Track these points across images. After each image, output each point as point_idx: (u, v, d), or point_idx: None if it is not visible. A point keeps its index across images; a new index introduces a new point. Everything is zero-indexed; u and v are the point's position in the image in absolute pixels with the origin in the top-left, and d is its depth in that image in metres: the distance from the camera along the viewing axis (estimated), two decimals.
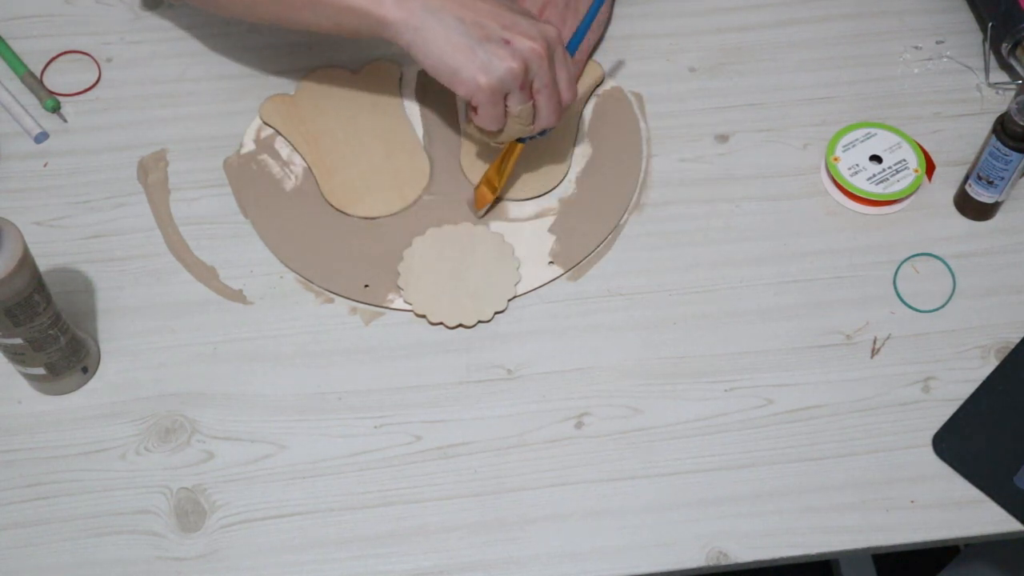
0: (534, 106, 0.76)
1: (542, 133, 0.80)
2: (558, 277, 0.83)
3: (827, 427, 0.76)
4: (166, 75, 0.92)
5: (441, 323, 0.80)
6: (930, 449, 0.76)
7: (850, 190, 0.85)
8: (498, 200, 0.85)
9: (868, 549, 0.73)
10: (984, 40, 0.94)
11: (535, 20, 0.75)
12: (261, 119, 0.90)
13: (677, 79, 0.93)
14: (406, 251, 0.83)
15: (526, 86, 0.75)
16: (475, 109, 0.76)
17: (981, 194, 0.83)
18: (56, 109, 0.90)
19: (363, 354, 0.79)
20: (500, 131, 0.78)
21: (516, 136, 0.79)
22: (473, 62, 0.72)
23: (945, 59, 0.94)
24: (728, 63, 0.94)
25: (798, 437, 0.76)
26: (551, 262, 0.83)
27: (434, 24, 0.73)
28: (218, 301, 0.82)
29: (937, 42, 0.95)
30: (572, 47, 0.81)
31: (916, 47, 0.95)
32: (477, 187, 0.84)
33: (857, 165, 0.86)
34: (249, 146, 0.89)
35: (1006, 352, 0.79)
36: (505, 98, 0.75)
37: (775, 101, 0.92)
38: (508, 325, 0.81)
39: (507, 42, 0.73)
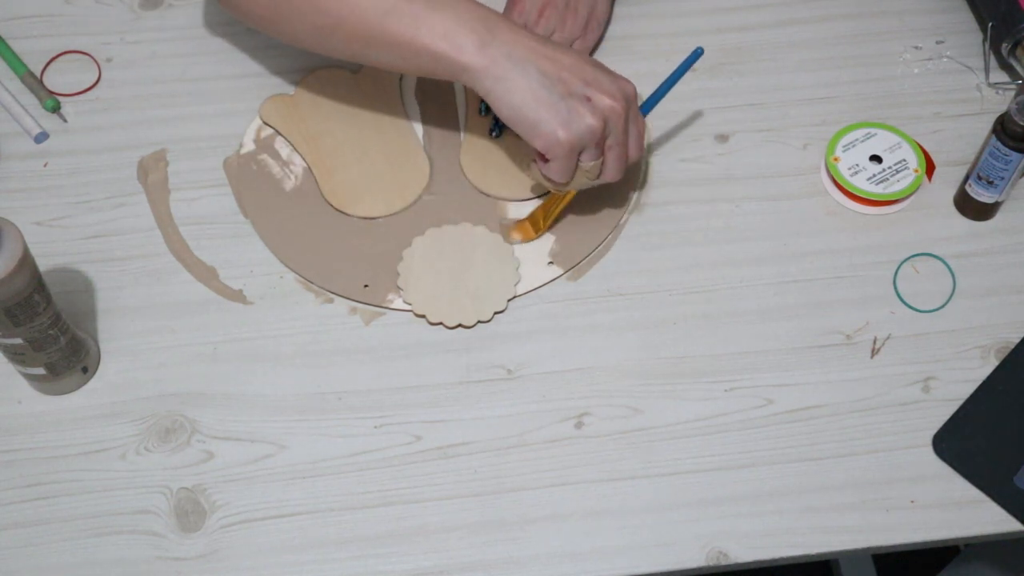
0: (603, 161, 0.76)
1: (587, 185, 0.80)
2: (558, 277, 0.83)
3: (827, 427, 0.76)
4: (166, 75, 0.92)
5: (441, 323, 0.80)
6: (930, 449, 0.76)
7: (850, 190, 0.85)
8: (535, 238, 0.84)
9: (868, 549, 0.73)
10: (984, 40, 0.94)
11: (615, 76, 0.75)
12: (261, 119, 0.90)
13: None
14: (406, 251, 0.83)
15: (601, 143, 0.75)
16: (545, 159, 0.76)
17: (981, 194, 0.83)
18: (56, 109, 0.90)
19: (363, 354, 0.79)
20: (578, 185, 0.78)
21: (579, 187, 0.79)
22: (555, 117, 0.72)
23: (945, 59, 0.94)
24: (728, 63, 0.94)
25: (798, 437, 0.76)
26: (551, 262, 0.83)
27: (517, 75, 0.72)
28: (218, 301, 0.82)
29: (937, 42, 0.95)
30: (646, 109, 0.81)
31: (916, 47, 0.95)
32: (522, 221, 0.84)
33: (857, 165, 0.86)
34: (249, 146, 0.89)
35: (1006, 352, 0.79)
36: (580, 153, 0.75)
37: (775, 101, 0.92)
38: (508, 325, 0.81)
39: (588, 99, 0.73)
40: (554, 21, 0.89)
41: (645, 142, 0.84)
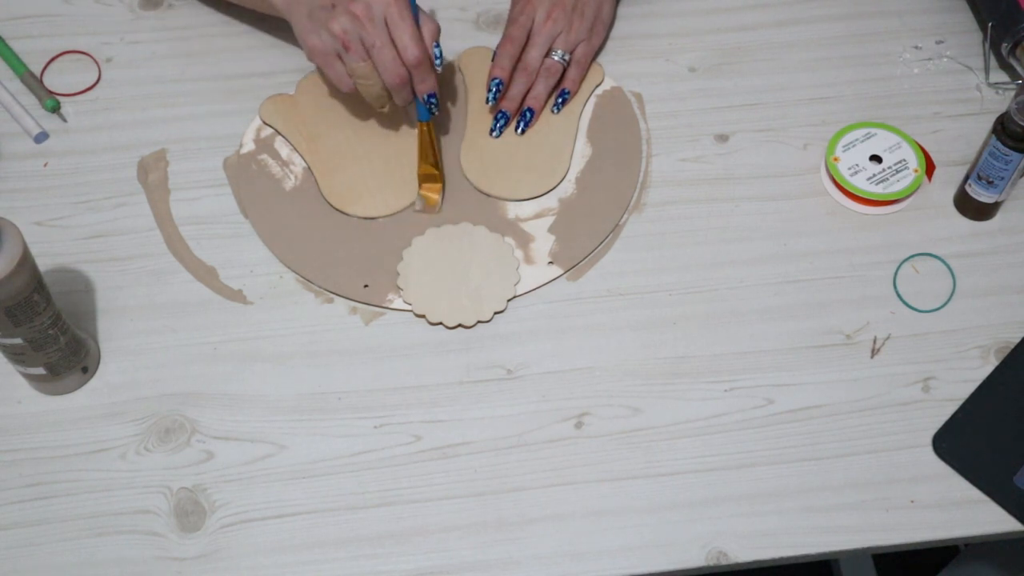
0: (375, 65, 0.80)
1: (431, 108, 0.82)
2: (558, 277, 0.83)
3: (827, 427, 0.76)
4: (166, 75, 0.92)
5: (441, 323, 0.80)
6: (930, 449, 0.76)
7: (850, 190, 0.85)
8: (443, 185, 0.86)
9: (868, 549, 0.73)
10: (984, 40, 0.94)
11: None
12: (261, 119, 0.90)
13: (677, 79, 0.93)
14: (406, 251, 0.83)
15: (356, 47, 0.79)
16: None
17: (981, 194, 0.83)
18: (56, 109, 0.90)
19: (363, 354, 0.79)
20: (382, 97, 0.82)
21: (374, 97, 0.82)
22: (306, 28, 0.81)
23: (945, 59, 0.94)
24: (728, 63, 0.94)
25: (798, 437, 0.76)
26: (551, 262, 0.83)
27: (300, 7, 0.82)
28: (218, 301, 0.82)
29: (937, 42, 0.95)
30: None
31: (916, 47, 0.95)
32: (420, 189, 0.85)
33: (857, 165, 0.86)
34: (249, 146, 0.89)
35: (1006, 352, 0.79)
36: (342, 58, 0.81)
37: (775, 101, 0.92)
38: (508, 325, 0.81)
39: (333, 6, 0.80)
40: (561, 23, 0.89)
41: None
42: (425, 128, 0.84)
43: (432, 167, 0.84)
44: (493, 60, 0.89)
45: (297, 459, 0.75)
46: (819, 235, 0.85)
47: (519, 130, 0.89)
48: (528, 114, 0.89)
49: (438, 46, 0.82)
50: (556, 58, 0.89)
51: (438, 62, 0.82)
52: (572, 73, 0.90)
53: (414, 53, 0.79)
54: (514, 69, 0.89)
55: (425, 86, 0.82)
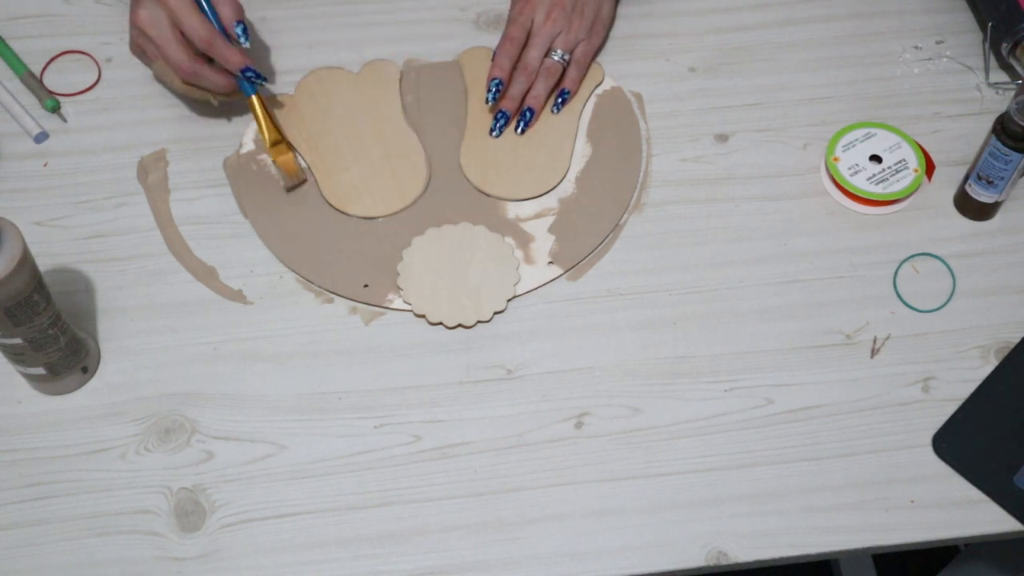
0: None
1: (251, 81, 0.84)
2: (558, 277, 0.83)
3: (827, 427, 0.76)
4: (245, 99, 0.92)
5: (441, 323, 0.80)
6: (930, 449, 0.76)
7: (850, 190, 0.85)
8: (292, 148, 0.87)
9: (868, 549, 0.73)
10: (984, 40, 0.94)
11: None
12: None
13: (677, 79, 0.93)
14: (405, 251, 0.83)
15: (150, 51, 0.84)
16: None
17: (981, 194, 0.83)
18: (56, 109, 0.90)
19: (363, 354, 0.79)
20: (195, 90, 0.85)
21: (188, 92, 0.85)
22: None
23: (945, 59, 0.94)
24: (728, 63, 0.94)
25: (798, 437, 0.76)
26: (551, 262, 0.83)
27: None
28: (218, 301, 0.82)
29: (937, 42, 0.95)
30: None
31: (916, 47, 0.95)
32: (275, 162, 0.85)
33: (857, 165, 0.86)
34: (249, 146, 0.89)
35: (1006, 352, 0.79)
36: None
37: (775, 101, 0.92)
38: (507, 325, 0.81)
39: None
40: (561, 23, 0.89)
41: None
42: (255, 102, 0.85)
43: (277, 136, 0.85)
44: (493, 60, 0.89)
45: (297, 459, 0.75)
46: (819, 235, 0.85)
47: (519, 130, 0.89)
48: (528, 114, 0.89)
49: (239, 23, 0.83)
50: (556, 58, 0.89)
51: (242, 39, 0.83)
52: (572, 73, 0.90)
53: (201, 36, 0.82)
54: (514, 69, 0.89)
55: (232, 64, 0.83)
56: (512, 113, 0.89)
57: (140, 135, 0.89)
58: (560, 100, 0.90)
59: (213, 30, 0.82)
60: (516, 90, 0.89)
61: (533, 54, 0.89)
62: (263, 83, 0.85)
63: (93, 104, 0.91)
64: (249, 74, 0.84)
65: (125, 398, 0.77)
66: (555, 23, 0.89)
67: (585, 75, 0.92)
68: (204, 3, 0.83)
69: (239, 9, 0.84)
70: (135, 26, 0.83)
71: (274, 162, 0.85)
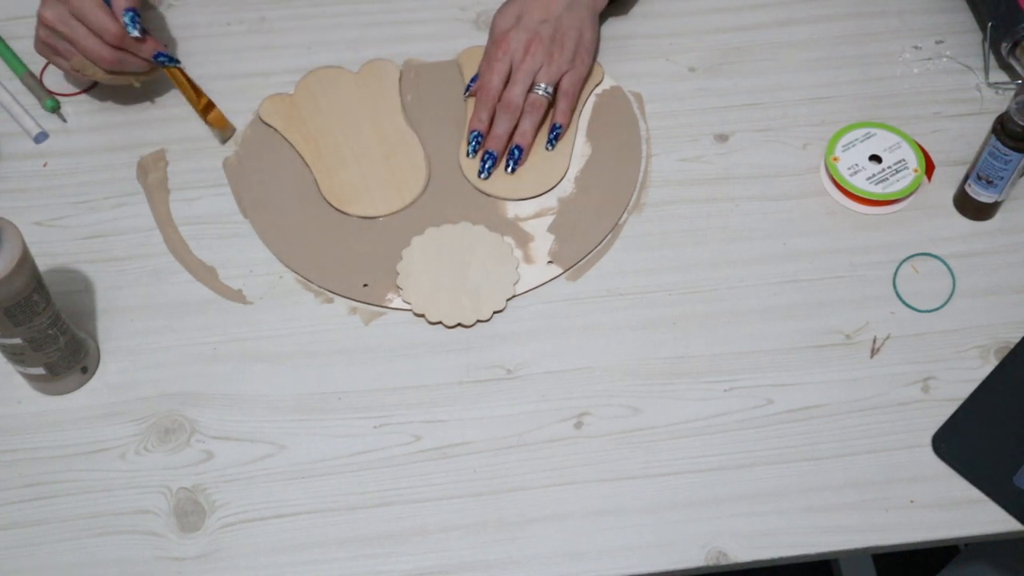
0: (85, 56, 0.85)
1: (166, 62, 0.86)
2: (557, 277, 0.83)
3: (827, 427, 0.76)
4: (166, 74, 0.92)
5: (440, 323, 0.80)
6: (930, 449, 0.76)
7: (850, 190, 0.85)
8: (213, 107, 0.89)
9: (868, 549, 0.73)
10: (984, 40, 0.94)
11: None
12: (261, 119, 0.90)
13: (677, 79, 0.93)
14: (405, 251, 0.83)
15: (62, 47, 0.84)
16: None
17: (981, 194, 0.83)
18: (56, 109, 0.90)
19: (363, 354, 0.79)
20: (119, 77, 0.86)
21: (111, 80, 0.86)
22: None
23: (945, 59, 0.94)
24: (728, 63, 0.94)
25: (798, 437, 0.76)
26: (550, 262, 0.83)
27: None
28: (218, 301, 0.82)
29: (937, 42, 0.95)
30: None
31: (916, 47, 0.95)
32: (209, 123, 0.88)
33: (857, 165, 0.86)
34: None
35: (1006, 352, 0.79)
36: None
37: (775, 101, 0.92)
38: (507, 325, 0.81)
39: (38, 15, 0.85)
40: (540, 56, 0.87)
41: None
42: (176, 72, 0.88)
43: (204, 98, 0.88)
44: (473, 111, 0.87)
45: (297, 459, 0.75)
46: (819, 235, 0.85)
47: (509, 169, 0.86)
48: (517, 152, 0.86)
49: (127, 12, 0.83)
50: (540, 92, 0.87)
51: (130, 27, 0.83)
52: (561, 105, 0.88)
53: (112, 31, 0.83)
54: (493, 116, 0.87)
55: (145, 53, 0.86)
56: (499, 153, 0.86)
57: (140, 135, 0.89)
58: (553, 136, 0.87)
59: (120, 26, 0.83)
60: (501, 129, 0.86)
61: (516, 91, 0.86)
62: (177, 64, 0.87)
63: (93, 104, 0.91)
64: (162, 58, 0.86)
65: (125, 398, 0.77)
66: (534, 57, 0.87)
67: (576, 105, 0.90)
68: None
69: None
70: (45, 26, 0.84)
71: (208, 123, 0.88)
